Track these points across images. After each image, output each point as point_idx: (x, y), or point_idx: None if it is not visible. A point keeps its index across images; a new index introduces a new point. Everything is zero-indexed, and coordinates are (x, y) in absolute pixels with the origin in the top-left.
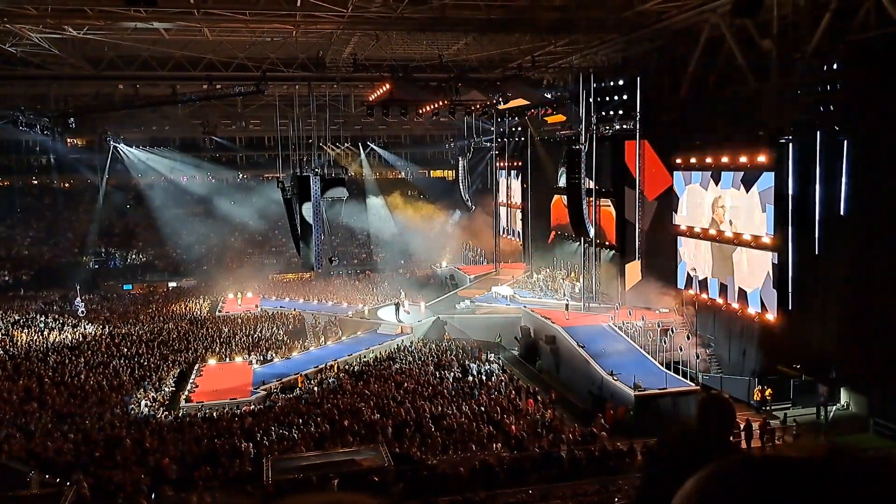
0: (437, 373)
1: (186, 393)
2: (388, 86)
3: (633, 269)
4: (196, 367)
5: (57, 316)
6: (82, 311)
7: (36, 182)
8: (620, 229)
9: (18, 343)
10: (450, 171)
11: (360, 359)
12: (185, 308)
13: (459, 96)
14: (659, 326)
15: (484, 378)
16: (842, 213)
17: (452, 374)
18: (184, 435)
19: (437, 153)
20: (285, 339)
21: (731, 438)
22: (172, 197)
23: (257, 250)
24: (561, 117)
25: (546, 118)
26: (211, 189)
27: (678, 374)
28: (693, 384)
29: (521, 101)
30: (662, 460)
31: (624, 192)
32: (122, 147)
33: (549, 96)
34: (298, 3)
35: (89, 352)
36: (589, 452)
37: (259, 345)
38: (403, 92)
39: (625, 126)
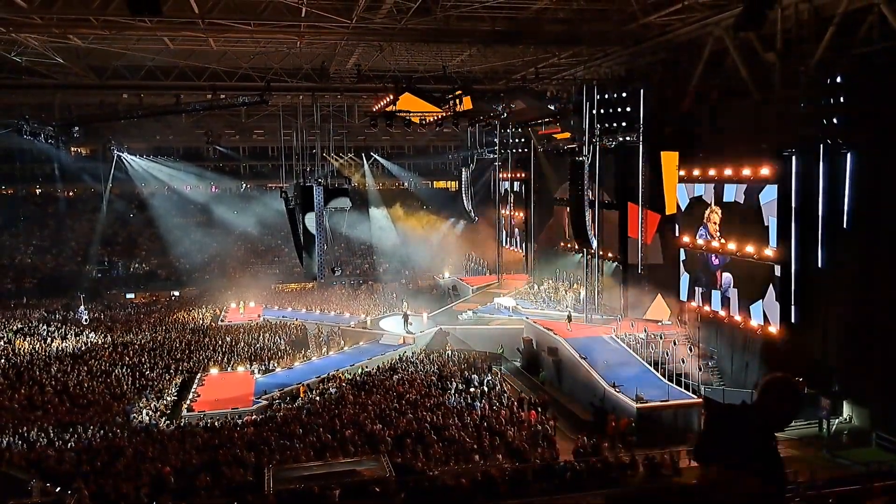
0: (440, 384)
1: (188, 402)
2: None
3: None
4: (198, 377)
5: (60, 324)
6: (85, 320)
7: (40, 190)
8: (623, 240)
9: (21, 351)
10: (453, 182)
11: (362, 369)
12: (188, 317)
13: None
14: (661, 338)
15: (486, 389)
16: (845, 225)
17: (454, 385)
18: (185, 444)
19: (440, 164)
20: (287, 348)
21: (791, 420)
22: (175, 206)
23: (260, 260)
24: (567, 134)
25: (554, 135)
26: (214, 198)
27: (680, 387)
28: (695, 396)
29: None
30: (715, 420)
31: (627, 205)
32: (125, 156)
33: (552, 108)
34: (303, 14)
35: (92, 360)
36: (591, 464)
37: (261, 355)
38: None
39: (628, 138)
